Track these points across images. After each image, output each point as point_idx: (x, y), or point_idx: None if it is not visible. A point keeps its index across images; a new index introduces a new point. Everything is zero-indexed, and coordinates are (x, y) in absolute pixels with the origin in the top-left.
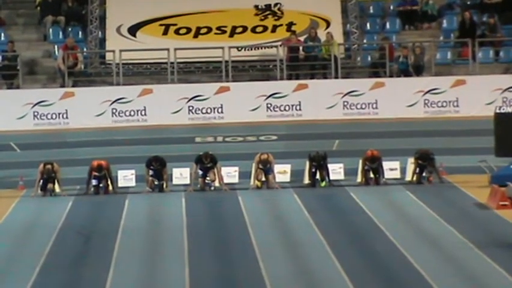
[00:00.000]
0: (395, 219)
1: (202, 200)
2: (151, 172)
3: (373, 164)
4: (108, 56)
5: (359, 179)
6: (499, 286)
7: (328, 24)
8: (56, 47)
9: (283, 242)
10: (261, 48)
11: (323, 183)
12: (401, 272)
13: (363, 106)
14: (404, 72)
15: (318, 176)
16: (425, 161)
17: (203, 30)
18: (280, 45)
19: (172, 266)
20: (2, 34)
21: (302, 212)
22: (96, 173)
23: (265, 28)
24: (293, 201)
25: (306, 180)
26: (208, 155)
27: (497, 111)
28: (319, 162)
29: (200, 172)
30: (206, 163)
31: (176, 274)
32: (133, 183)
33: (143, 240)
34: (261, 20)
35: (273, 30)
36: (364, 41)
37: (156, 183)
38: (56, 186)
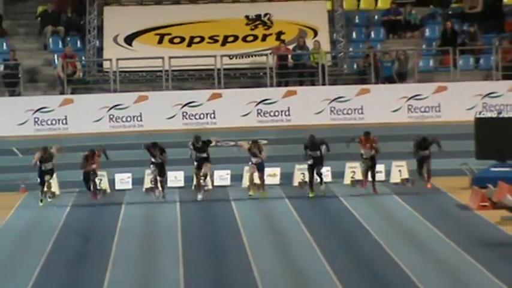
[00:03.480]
0: (381, 221)
1: (196, 202)
2: (152, 167)
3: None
4: (106, 64)
5: (346, 181)
6: (480, 283)
7: (315, 33)
8: (55, 55)
9: (274, 242)
10: (252, 56)
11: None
12: (386, 271)
13: (349, 112)
14: (389, 79)
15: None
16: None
17: (196, 40)
18: (270, 54)
19: (167, 266)
20: (4, 44)
21: (292, 214)
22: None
23: (255, 37)
24: (283, 204)
25: (295, 183)
26: (200, 138)
27: (478, 116)
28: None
29: (195, 153)
30: (197, 145)
31: (171, 274)
32: (129, 186)
33: (139, 242)
34: (252, 29)
35: (263, 39)
36: (350, 49)
37: (158, 178)
38: (56, 188)
